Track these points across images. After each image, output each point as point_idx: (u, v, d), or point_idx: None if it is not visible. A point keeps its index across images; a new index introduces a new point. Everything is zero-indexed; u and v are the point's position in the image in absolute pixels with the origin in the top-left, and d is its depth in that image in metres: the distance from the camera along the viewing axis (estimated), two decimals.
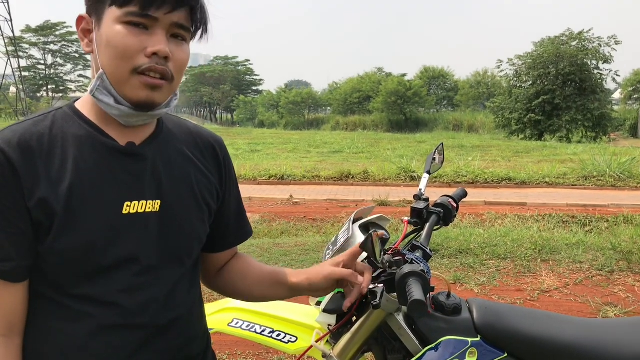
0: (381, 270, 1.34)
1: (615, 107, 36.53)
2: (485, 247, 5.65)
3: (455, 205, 1.73)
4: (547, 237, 6.08)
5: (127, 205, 1.06)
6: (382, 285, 1.32)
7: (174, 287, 1.14)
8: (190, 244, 1.18)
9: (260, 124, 57.33)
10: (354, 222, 1.54)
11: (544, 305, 4.27)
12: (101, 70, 1.03)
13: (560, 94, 28.86)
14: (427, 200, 1.69)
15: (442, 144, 1.90)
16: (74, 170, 1.02)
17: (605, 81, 30.26)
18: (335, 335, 1.50)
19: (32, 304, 1.06)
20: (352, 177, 11.87)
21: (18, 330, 1.05)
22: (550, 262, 5.27)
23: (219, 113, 77.26)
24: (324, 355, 1.47)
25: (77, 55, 54.83)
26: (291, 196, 9.80)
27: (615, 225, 7.35)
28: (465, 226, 7.16)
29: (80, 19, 1.06)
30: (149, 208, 1.08)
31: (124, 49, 1.01)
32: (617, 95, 44.71)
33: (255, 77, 76.13)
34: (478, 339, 1.45)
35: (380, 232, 1.30)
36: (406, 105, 44.74)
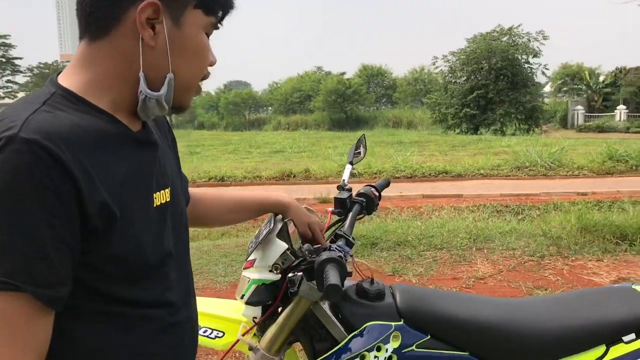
0: (301, 259, 1.35)
1: (546, 100, 38.01)
2: (423, 238, 5.76)
3: (377, 194, 1.77)
4: (482, 226, 6.25)
5: (155, 198, 1.00)
6: (300, 273, 1.32)
7: (191, 276, 1.16)
8: (188, 227, 1.18)
9: (199, 125, 56.63)
10: (276, 214, 1.53)
11: (479, 292, 4.39)
12: (171, 75, 0.95)
13: (493, 88, 29.79)
14: (350, 190, 1.72)
15: (363, 135, 1.93)
16: (116, 166, 0.91)
17: (536, 75, 31.49)
18: (262, 327, 1.49)
19: (70, 326, 0.91)
20: (294, 176, 11.89)
21: None
22: (485, 250, 5.43)
23: None
24: (251, 348, 1.46)
25: (3, 60, 52.48)
26: None
27: (546, 212, 7.65)
28: (403, 219, 7.28)
29: (149, 5, 0.90)
30: (165, 198, 1.04)
31: (208, 60, 1.01)
32: (547, 88, 46.49)
33: None
34: (401, 322, 1.48)
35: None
36: (346, 104, 45.18)
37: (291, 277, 1.30)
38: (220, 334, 1.55)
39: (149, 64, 0.93)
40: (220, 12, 1.00)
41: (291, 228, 1.25)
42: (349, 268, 1.34)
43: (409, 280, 4.66)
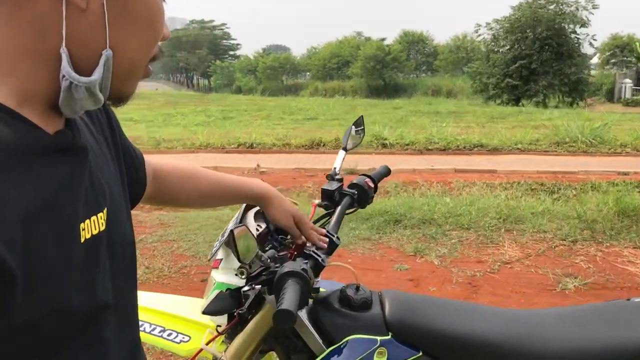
0: (262, 267, 1.16)
1: (593, 72, 36.62)
2: (450, 217, 5.53)
3: (372, 185, 1.56)
4: (514, 205, 5.97)
5: (83, 229, 0.69)
6: (259, 286, 1.14)
7: (137, 323, 0.89)
8: (134, 260, 0.88)
9: (237, 89, 56.57)
10: (248, 209, 1.35)
11: (504, 277, 4.17)
12: (109, 52, 0.66)
13: (537, 58, 28.81)
14: (340, 180, 1.52)
15: (361, 116, 1.71)
16: (17, 196, 0.60)
17: (583, 46, 30.31)
18: (231, 334, 1.33)
19: None
20: (324, 145, 11.67)
21: None
22: (514, 232, 5.18)
23: (196, 79, 76.07)
24: (215, 359, 1.30)
25: None
26: (258, 165, 9.58)
27: (583, 192, 7.29)
28: (432, 195, 7.04)
29: None
30: (98, 226, 0.73)
31: (161, 31, 0.73)
32: (595, 60, 44.73)
33: (232, 42, 75.01)
34: (389, 337, 1.30)
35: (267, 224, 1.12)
36: (385, 71, 44.54)
37: (246, 291, 1.12)
38: (186, 339, 1.40)
39: (76, 35, 0.64)
40: None
41: (241, 232, 1.05)
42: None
43: (430, 262, 4.47)
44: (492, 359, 1.33)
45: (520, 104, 28.23)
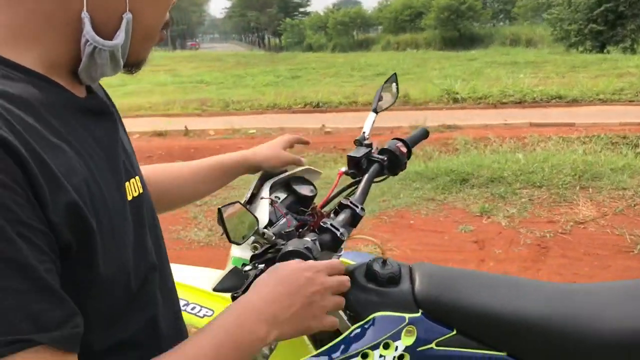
0: (268, 245, 1.08)
1: None
2: (520, 174, 5.27)
3: (406, 150, 1.43)
4: (591, 161, 5.61)
5: (127, 190, 0.73)
6: (262, 265, 1.06)
7: (175, 291, 0.92)
8: (160, 228, 0.90)
9: (308, 47, 56.28)
10: (263, 181, 1.27)
11: (576, 239, 3.94)
12: (130, 14, 0.68)
13: (625, 0, 26.75)
14: (369, 145, 1.40)
15: (394, 74, 1.57)
16: (74, 151, 0.64)
17: None
18: None
19: None
20: None
21: None
22: (590, 190, 4.87)
23: (267, 38, 76.24)
24: None
25: None
26: (323, 125, 9.50)
27: None
28: (504, 151, 6.74)
29: None
30: (138, 189, 0.77)
31: None
32: None
33: None
34: (419, 314, 1.20)
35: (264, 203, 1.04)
36: (460, 21, 42.80)
37: (247, 270, 1.05)
38: (210, 313, 1.36)
39: (96, 0, 0.65)
40: None
41: (233, 211, 0.97)
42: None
43: (498, 223, 4.28)
44: (535, 339, 1.21)
45: (605, 51, 26.45)
